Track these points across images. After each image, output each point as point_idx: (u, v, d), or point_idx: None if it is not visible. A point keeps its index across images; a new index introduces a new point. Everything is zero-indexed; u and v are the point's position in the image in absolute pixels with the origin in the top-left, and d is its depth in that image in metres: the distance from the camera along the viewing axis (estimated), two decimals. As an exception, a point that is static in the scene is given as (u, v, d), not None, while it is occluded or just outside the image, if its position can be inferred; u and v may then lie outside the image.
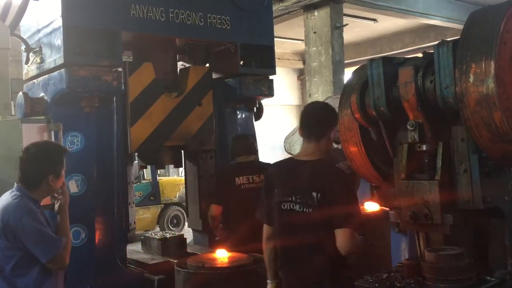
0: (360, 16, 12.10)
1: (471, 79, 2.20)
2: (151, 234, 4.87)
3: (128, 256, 4.45)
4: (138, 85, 4.37)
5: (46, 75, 4.09)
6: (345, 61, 10.19)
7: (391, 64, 2.68)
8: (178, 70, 4.93)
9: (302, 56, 15.83)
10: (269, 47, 5.01)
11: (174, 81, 4.74)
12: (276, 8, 9.41)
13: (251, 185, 4.43)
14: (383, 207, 4.12)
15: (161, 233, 4.98)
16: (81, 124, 4.06)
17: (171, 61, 4.82)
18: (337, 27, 9.54)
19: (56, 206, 3.08)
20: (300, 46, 12.99)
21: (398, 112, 2.60)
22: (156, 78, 4.47)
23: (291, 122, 16.26)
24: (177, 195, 11.66)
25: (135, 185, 9.49)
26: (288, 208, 2.94)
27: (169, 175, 14.41)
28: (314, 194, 2.82)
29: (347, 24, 9.94)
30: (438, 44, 2.41)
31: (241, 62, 4.80)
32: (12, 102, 5.24)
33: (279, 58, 15.00)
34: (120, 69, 4.15)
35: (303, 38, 10.21)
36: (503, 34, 2.15)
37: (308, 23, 9.83)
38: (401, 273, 2.64)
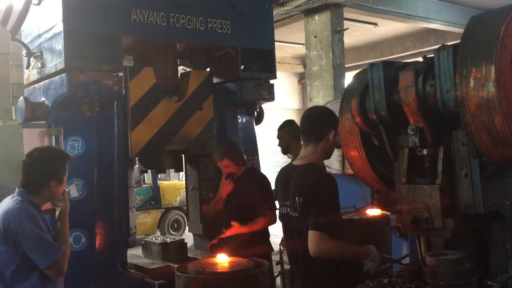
0: (361, 20, 12.11)
1: (471, 84, 2.20)
2: (152, 239, 4.86)
3: (129, 260, 4.44)
4: (139, 90, 4.37)
5: (47, 80, 4.10)
6: (346, 65, 10.20)
7: (392, 68, 2.68)
8: (179, 75, 4.94)
9: (303, 60, 15.85)
10: (270, 51, 5.01)
11: (174, 86, 4.74)
12: (277, 12, 9.42)
13: None
14: (384, 211, 4.13)
15: (161, 237, 4.97)
16: (81, 129, 4.06)
17: (171, 65, 4.82)
18: (337, 31, 9.54)
19: (57, 213, 3.08)
20: (301, 50, 13.00)
21: (398, 116, 2.61)
22: (157, 82, 4.48)
23: (292, 126, 16.22)
24: (178, 199, 11.66)
25: (135, 189, 9.50)
26: (285, 212, 3.02)
27: (169, 179, 14.41)
28: (297, 198, 2.86)
29: (347, 28, 9.95)
30: (438, 49, 2.41)
31: (242, 67, 4.80)
32: (13, 107, 5.24)
33: (279, 62, 15.03)
34: (120, 74, 4.16)
35: (303, 42, 10.21)
36: (503, 39, 2.15)
37: (309, 27, 9.84)
38: (402, 278, 2.63)
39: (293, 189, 2.92)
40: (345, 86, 6.15)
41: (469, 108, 2.22)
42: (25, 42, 4.43)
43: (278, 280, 5.06)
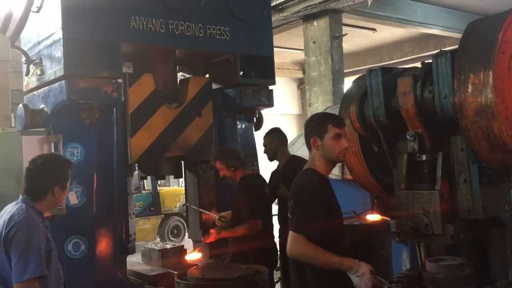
0: (359, 26, 12.13)
1: (469, 89, 2.20)
2: (152, 245, 4.85)
3: (128, 267, 4.43)
4: (138, 96, 4.38)
5: (46, 87, 4.10)
6: (345, 71, 10.21)
7: (390, 74, 2.69)
8: (178, 81, 4.95)
9: (302, 66, 15.86)
10: (269, 57, 5.02)
11: (174, 92, 4.75)
12: (276, 18, 9.44)
13: None
14: (384, 217, 4.12)
15: (161, 243, 4.96)
16: (81, 136, 4.06)
17: (171, 72, 4.83)
18: (336, 37, 9.57)
19: None
20: (300, 55, 13.01)
21: (397, 122, 2.61)
22: (156, 89, 4.48)
23: (292, 131, 16.24)
24: (178, 205, 11.64)
25: (135, 195, 9.48)
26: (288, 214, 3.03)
27: (169, 185, 14.39)
28: (290, 201, 2.92)
29: (346, 34, 9.97)
30: (436, 54, 2.42)
31: (241, 73, 4.80)
32: (12, 114, 5.24)
33: (278, 68, 15.05)
34: (120, 80, 4.17)
35: (302, 48, 10.23)
36: (501, 44, 2.16)
37: (308, 33, 9.86)
38: (402, 284, 2.63)
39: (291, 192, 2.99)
40: (344, 91, 6.17)
41: (467, 113, 2.23)
42: (25, 49, 4.44)
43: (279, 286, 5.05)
